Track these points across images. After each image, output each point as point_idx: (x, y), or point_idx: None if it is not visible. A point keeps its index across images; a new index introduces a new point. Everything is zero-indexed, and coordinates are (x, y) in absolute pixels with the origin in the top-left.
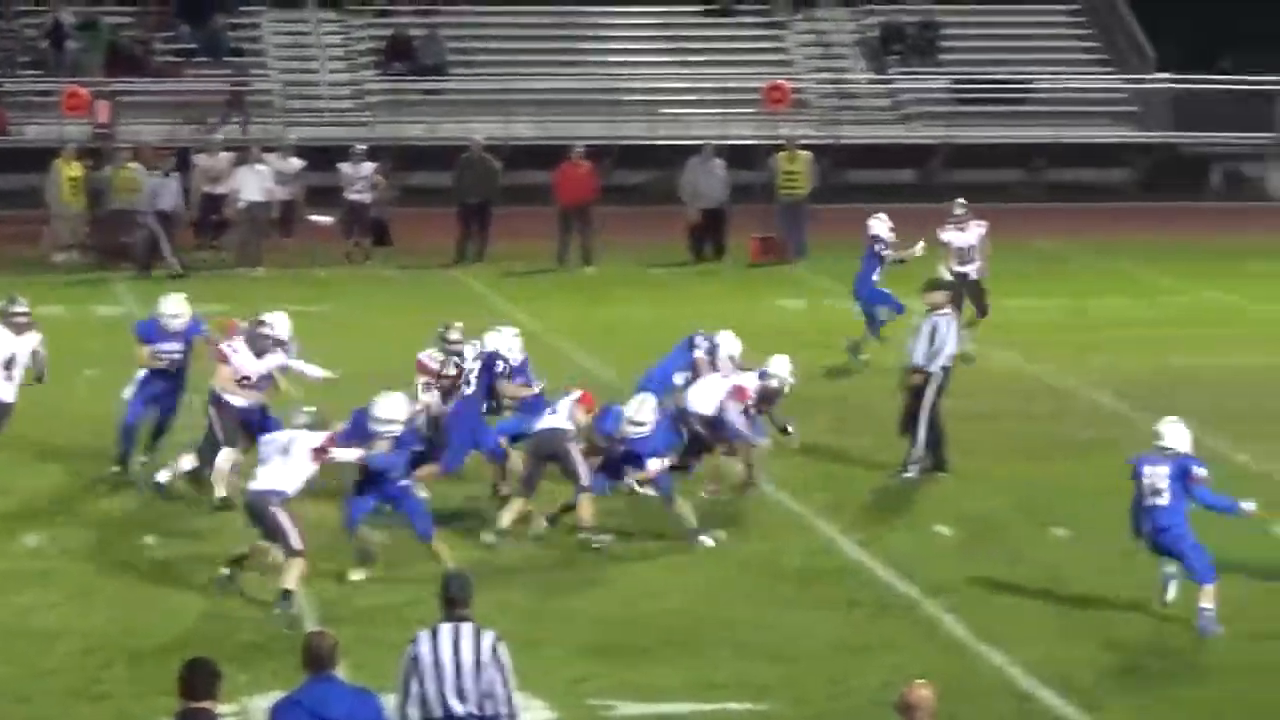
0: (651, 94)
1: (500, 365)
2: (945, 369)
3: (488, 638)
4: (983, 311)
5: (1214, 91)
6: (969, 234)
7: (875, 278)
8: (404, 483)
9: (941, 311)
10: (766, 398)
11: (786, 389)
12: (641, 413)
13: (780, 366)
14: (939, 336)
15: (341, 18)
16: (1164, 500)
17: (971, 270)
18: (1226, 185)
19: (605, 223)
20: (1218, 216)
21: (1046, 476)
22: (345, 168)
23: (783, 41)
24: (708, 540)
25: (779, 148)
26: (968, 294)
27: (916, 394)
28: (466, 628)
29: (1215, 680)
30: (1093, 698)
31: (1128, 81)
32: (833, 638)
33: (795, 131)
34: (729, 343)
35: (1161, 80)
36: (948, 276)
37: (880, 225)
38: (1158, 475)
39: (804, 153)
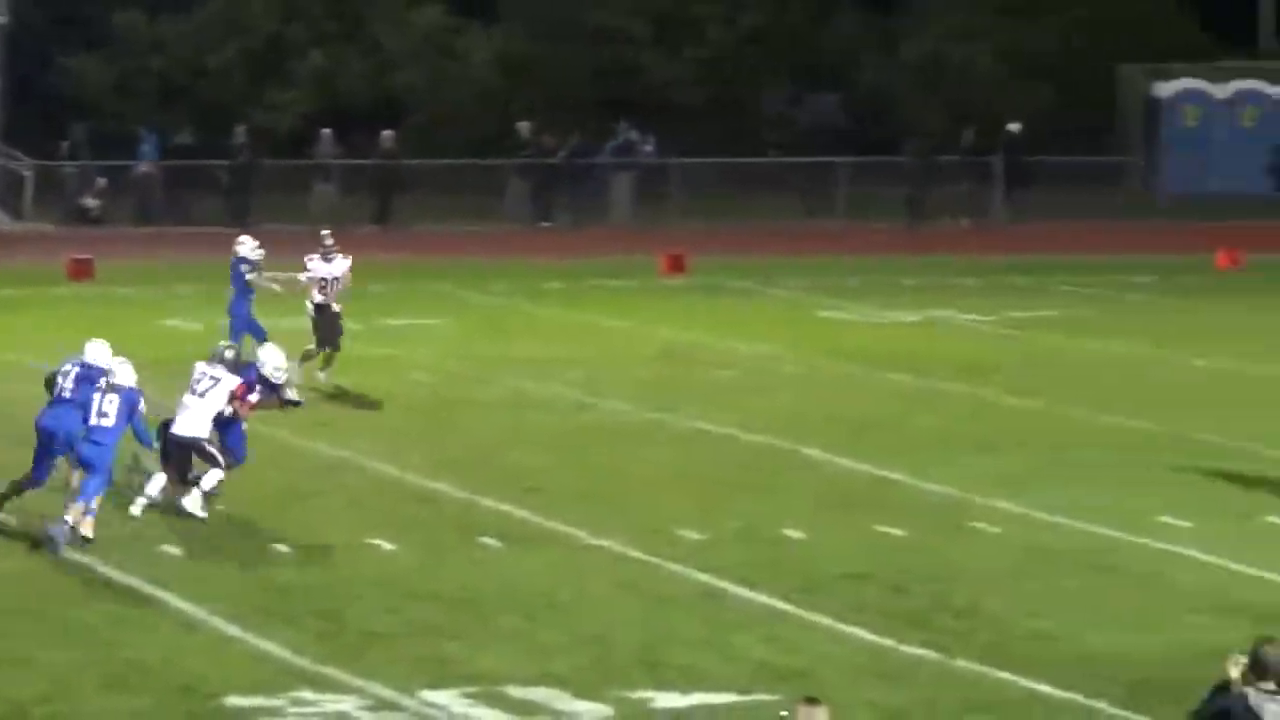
0: None
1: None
2: None
3: None
4: (336, 345)
5: None
6: (335, 265)
7: (248, 302)
8: None
9: None
10: None
11: None
12: None
13: None
14: None
15: None
16: (109, 422)
17: (333, 302)
18: None
19: None
20: None
21: None
22: None
23: None
24: None
25: None
26: (325, 324)
27: None
28: None
29: None
30: None
31: None
32: None
33: None
34: None
35: None
36: (310, 306)
37: (245, 247)
38: (108, 401)
39: None
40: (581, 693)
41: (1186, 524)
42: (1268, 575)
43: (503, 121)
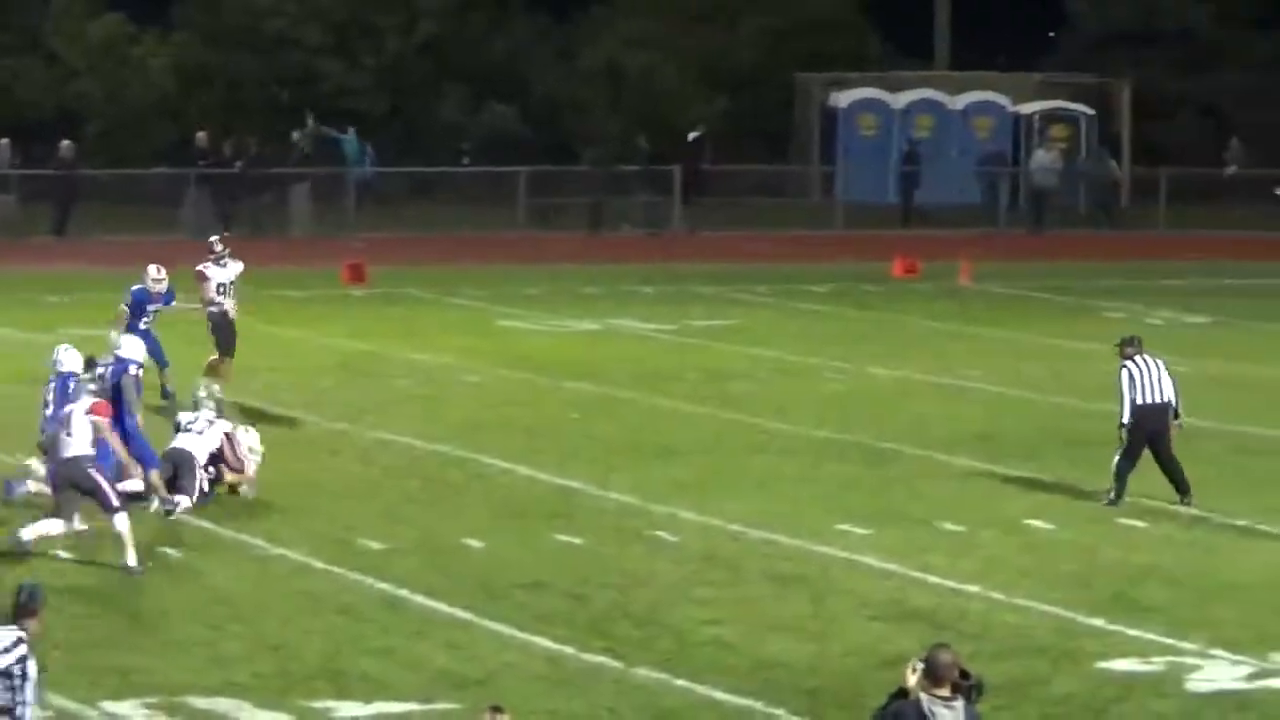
0: None
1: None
2: None
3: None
4: (229, 350)
5: None
6: (229, 270)
7: (142, 324)
8: None
9: None
10: None
11: None
12: None
13: None
14: None
15: None
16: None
17: (229, 306)
18: None
19: None
20: None
21: None
22: None
23: None
24: None
25: None
26: (224, 330)
27: None
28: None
29: None
30: None
31: None
32: None
33: None
34: None
35: None
36: (209, 313)
37: (148, 276)
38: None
39: None
40: (264, 702)
41: (864, 531)
42: (944, 581)
43: (182, 130)
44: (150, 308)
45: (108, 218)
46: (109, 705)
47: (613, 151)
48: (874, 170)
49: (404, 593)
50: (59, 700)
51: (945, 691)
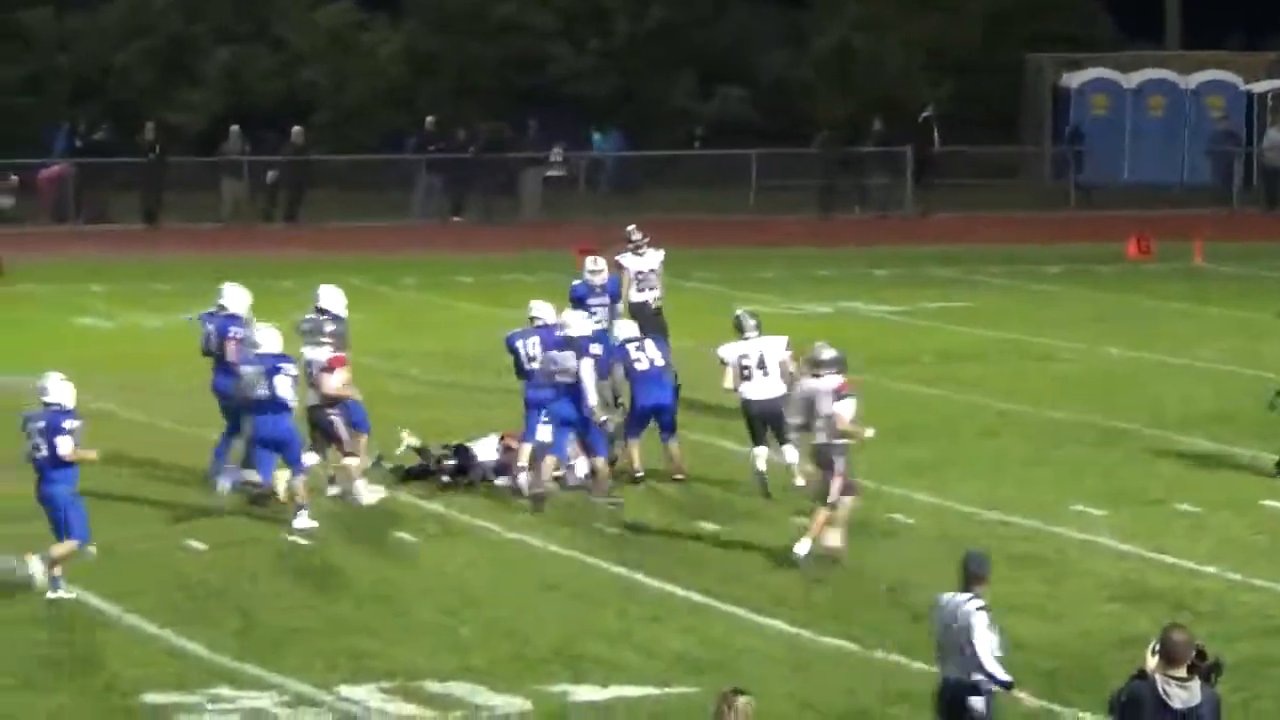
0: None
1: None
2: None
3: (966, 606)
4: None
5: None
6: (648, 259)
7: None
8: None
9: None
10: None
11: None
12: None
13: None
14: None
15: None
16: None
17: (651, 297)
18: None
19: None
20: None
21: None
22: None
23: None
24: None
25: None
26: (646, 322)
27: None
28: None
29: None
30: None
31: None
32: None
33: None
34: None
35: None
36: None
37: (585, 265)
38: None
39: None
40: (499, 686)
41: (1100, 512)
42: (1181, 562)
43: (411, 116)
44: (591, 302)
45: (338, 204)
46: (345, 689)
47: (843, 134)
48: (1106, 150)
49: (639, 576)
50: (295, 684)
51: (1181, 672)
